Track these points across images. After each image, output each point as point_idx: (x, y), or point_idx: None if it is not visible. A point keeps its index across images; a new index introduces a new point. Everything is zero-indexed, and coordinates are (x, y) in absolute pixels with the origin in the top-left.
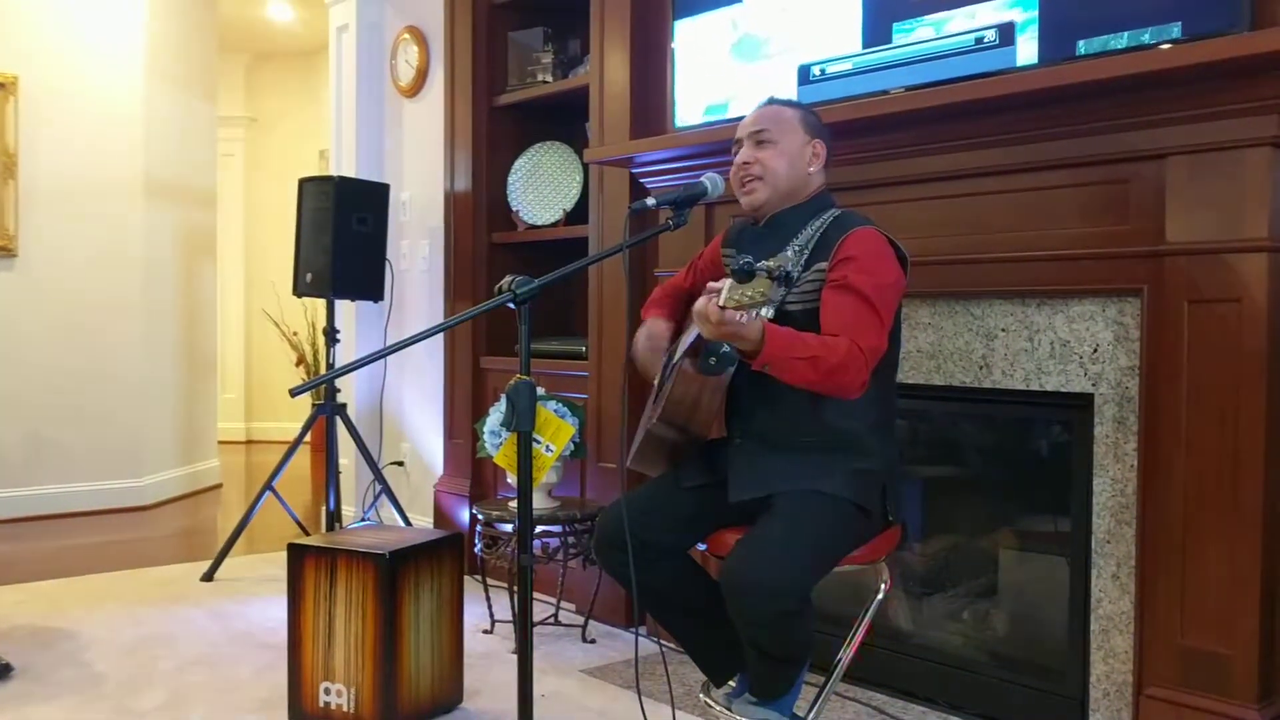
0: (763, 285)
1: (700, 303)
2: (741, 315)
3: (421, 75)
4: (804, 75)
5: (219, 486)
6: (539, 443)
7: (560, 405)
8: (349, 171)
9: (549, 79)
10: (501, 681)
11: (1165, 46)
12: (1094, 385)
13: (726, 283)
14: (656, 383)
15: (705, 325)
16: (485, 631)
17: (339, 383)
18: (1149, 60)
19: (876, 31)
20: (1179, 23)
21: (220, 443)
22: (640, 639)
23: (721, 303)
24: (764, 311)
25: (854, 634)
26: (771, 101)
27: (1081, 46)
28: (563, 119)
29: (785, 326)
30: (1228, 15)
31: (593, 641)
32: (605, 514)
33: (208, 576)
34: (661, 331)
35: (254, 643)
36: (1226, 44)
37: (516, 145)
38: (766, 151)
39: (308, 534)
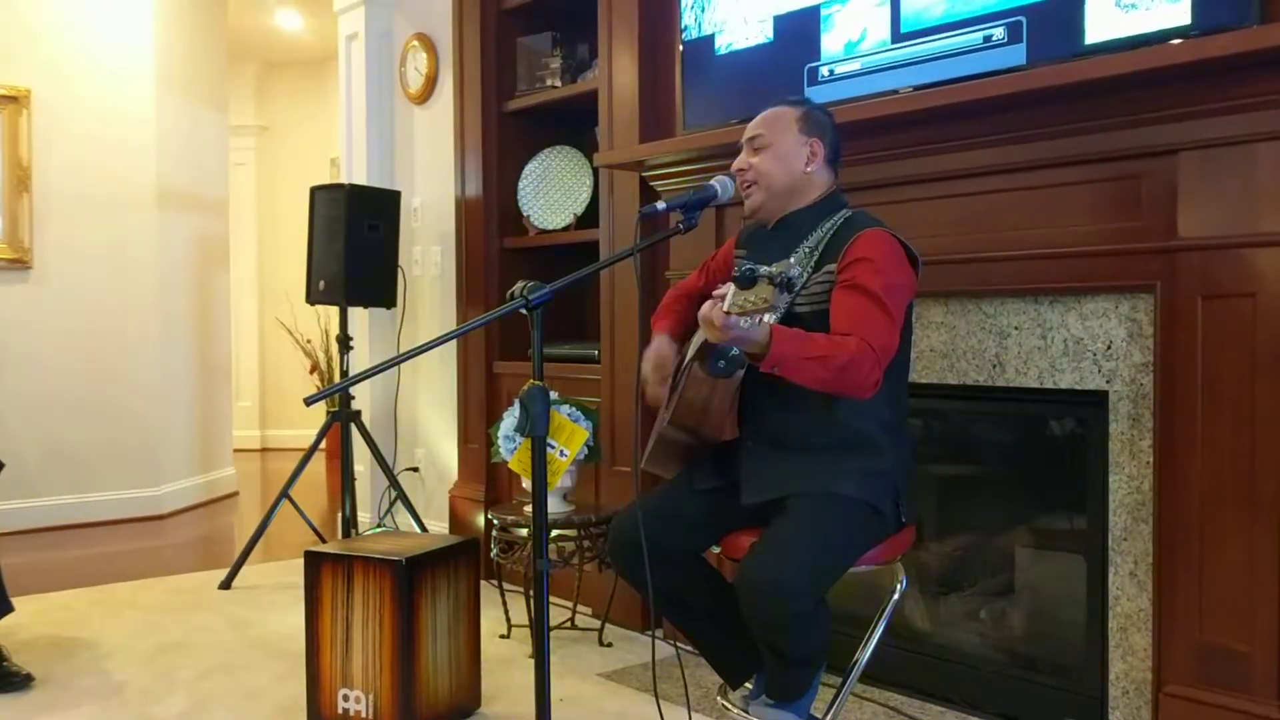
0: (765, 291)
1: (705, 308)
2: (744, 320)
3: (431, 82)
4: (812, 75)
5: (235, 494)
6: (553, 447)
7: (574, 409)
8: (360, 179)
9: (558, 83)
10: (519, 686)
11: (1175, 42)
12: (1108, 382)
13: (730, 288)
14: (669, 385)
15: (710, 330)
16: (502, 636)
17: (353, 389)
18: (1159, 56)
19: None
20: None
21: (236, 450)
22: (657, 642)
23: (725, 309)
24: (767, 317)
25: (870, 634)
26: (777, 103)
27: None
28: (572, 123)
29: (794, 328)
30: (1238, 9)
31: (609, 645)
32: (619, 518)
33: (225, 584)
34: (667, 357)
35: (272, 650)
36: (1237, 38)
37: (526, 150)
38: (760, 156)
39: (324, 541)
